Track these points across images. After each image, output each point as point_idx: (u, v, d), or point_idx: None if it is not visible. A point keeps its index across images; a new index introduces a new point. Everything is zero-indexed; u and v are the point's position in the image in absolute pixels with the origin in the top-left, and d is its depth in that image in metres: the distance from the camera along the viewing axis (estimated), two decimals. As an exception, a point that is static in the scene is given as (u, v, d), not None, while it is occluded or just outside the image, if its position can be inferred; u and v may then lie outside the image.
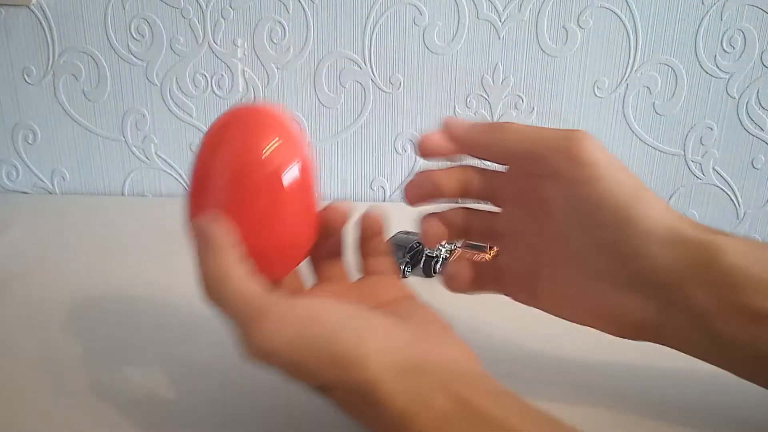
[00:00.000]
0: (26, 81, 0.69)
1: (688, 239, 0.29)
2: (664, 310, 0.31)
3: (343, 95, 0.69)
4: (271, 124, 0.34)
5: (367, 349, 0.29)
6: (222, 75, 0.69)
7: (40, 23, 0.67)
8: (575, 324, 0.35)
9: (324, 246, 0.37)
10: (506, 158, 0.34)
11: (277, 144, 0.33)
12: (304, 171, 0.34)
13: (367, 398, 0.29)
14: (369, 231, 0.37)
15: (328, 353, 0.28)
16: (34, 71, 0.69)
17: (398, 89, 0.69)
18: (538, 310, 0.36)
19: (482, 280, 0.37)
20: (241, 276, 0.30)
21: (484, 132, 0.33)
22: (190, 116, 0.70)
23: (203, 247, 0.31)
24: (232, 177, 0.33)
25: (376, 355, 0.29)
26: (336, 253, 0.38)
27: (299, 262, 0.37)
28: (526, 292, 0.36)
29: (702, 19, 0.66)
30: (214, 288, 0.30)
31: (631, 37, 0.67)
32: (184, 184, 0.73)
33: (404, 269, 0.53)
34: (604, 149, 0.31)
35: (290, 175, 0.33)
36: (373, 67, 0.68)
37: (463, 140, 0.34)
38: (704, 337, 0.30)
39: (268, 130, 0.34)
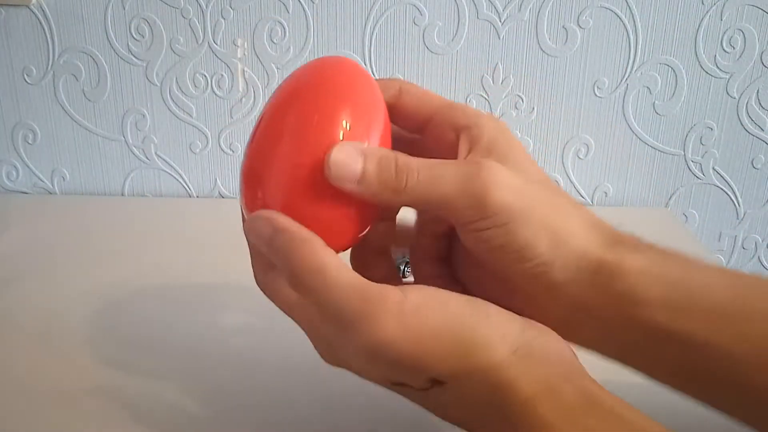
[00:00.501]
0: (26, 81, 0.69)
1: (589, 263, 0.30)
2: (572, 318, 0.31)
3: (343, 95, 0.69)
4: (350, 87, 0.30)
5: (492, 331, 0.28)
6: (222, 75, 0.69)
7: (40, 23, 0.67)
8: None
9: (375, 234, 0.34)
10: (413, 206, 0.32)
11: (357, 113, 0.30)
12: (385, 135, 0.31)
13: (489, 384, 0.27)
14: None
15: (451, 339, 0.27)
16: (34, 71, 0.69)
17: (398, 89, 0.69)
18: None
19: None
20: (338, 265, 0.28)
21: (380, 192, 0.29)
22: (190, 116, 0.70)
23: (286, 241, 0.28)
24: (302, 142, 0.30)
25: (500, 340, 0.28)
26: (383, 249, 0.36)
27: (362, 234, 0.33)
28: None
29: (702, 19, 0.66)
30: (310, 282, 0.28)
31: (631, 37, 0.67)
32: (184, 184, 0.73)
33: (404, 269, 0.53)
34: (513, 181, 0.29)
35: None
36: (373, 67, 0.68)
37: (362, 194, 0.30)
38: (612, 345, 0.31)
39: (349, 95, 0.30)
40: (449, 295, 0.29)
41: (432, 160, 0.29)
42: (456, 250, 0.35)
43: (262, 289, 0.32)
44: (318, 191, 0.29)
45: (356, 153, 0.29)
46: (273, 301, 0.32)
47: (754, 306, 0.29)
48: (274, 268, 0.31)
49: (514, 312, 0.31)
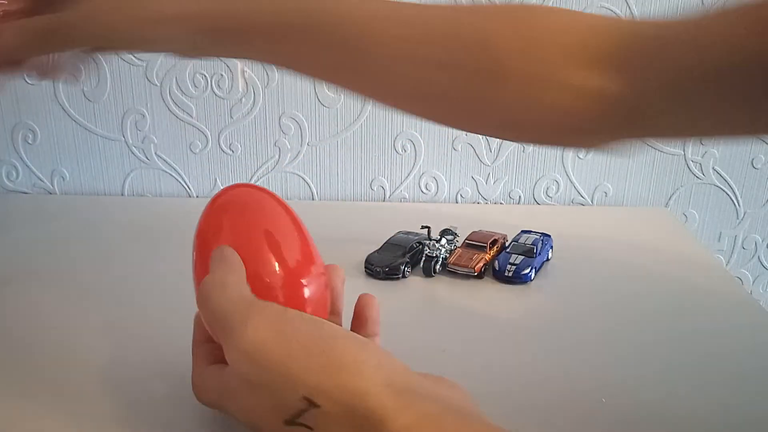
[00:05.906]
0: (26, 81, 0.69)
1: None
2: None
3: (342, 95, 0.69)
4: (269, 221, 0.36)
5: (365, 359, 0.28)
6: (222, 75, 0.69)
7: (40, 23, 0.67)
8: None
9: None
10: None
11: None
12: (306, 253, 0.35)
13: (359, 411, 0.27)
14: (363, 316, 0.37)
15: (320, 354, 0.28)
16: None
17: (398, 89, 0.69)
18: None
19: None
20: (239, 283, 0.32)
21: None
22: (190, 116, 0.70)
23: (216, 264, 0.33)
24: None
25: (374, 369, 0.28)
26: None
27: None
28: None
29: (702, 19, 0.66)
30: (209, 295, 0.31)
31: (631, 37, 0.67)
32: (184, 184, 0.73)
33: (404, 269, 0.53)
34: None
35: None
36: (373, 67, 0.68)
37: None
38: None
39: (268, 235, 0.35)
40: (336, 325, 0.31)
41: None
42: None
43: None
44: None
45: None
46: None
47: None
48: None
49: None
